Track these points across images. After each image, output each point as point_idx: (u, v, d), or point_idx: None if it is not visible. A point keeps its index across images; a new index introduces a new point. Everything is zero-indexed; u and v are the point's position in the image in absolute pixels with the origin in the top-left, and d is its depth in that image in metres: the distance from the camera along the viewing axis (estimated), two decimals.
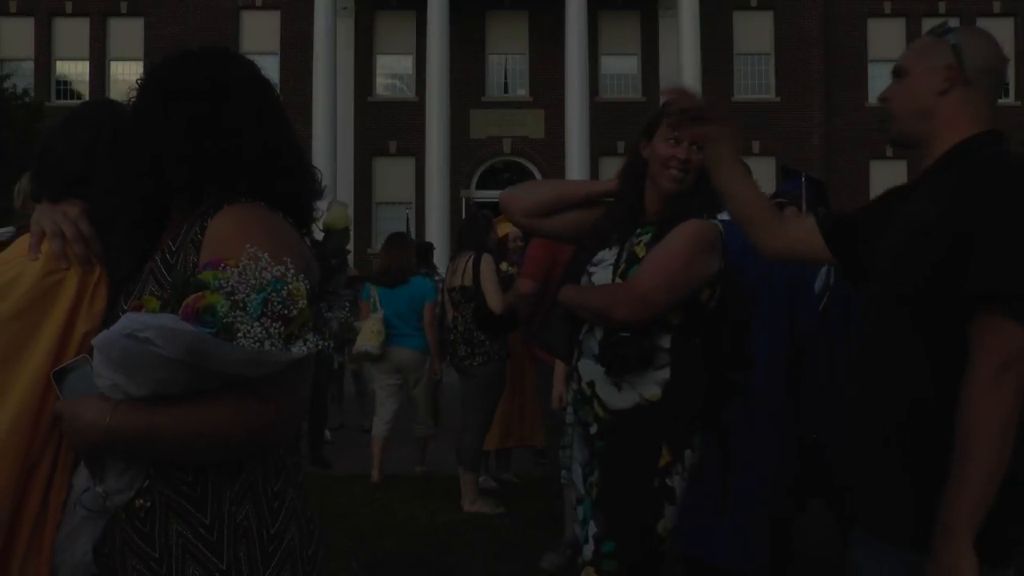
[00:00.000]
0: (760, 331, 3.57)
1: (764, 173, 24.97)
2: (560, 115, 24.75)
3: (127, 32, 26.44)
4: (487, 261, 6.27)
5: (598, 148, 24.90)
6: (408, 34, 26.02)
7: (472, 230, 6.67)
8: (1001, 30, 26.74)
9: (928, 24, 26.74)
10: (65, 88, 26.80)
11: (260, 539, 1.63)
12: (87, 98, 25.55)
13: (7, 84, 22.83)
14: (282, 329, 1.52)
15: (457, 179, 24.97)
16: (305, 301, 1.55)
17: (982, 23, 26.65)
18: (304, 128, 23.15)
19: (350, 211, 7.65)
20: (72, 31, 26.61)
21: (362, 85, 26.00)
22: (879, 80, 26.71)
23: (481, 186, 25.99)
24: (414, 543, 5.63)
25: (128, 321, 1.53)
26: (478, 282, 6.23)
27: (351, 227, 7.39)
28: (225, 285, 1.51)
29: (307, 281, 1.59)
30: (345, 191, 24.18)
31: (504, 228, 7.35)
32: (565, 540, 5.21)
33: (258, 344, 1.49)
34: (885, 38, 26.75)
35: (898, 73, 2.11)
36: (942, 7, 26.88)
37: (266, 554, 1.64)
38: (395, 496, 6.79)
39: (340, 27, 25.00)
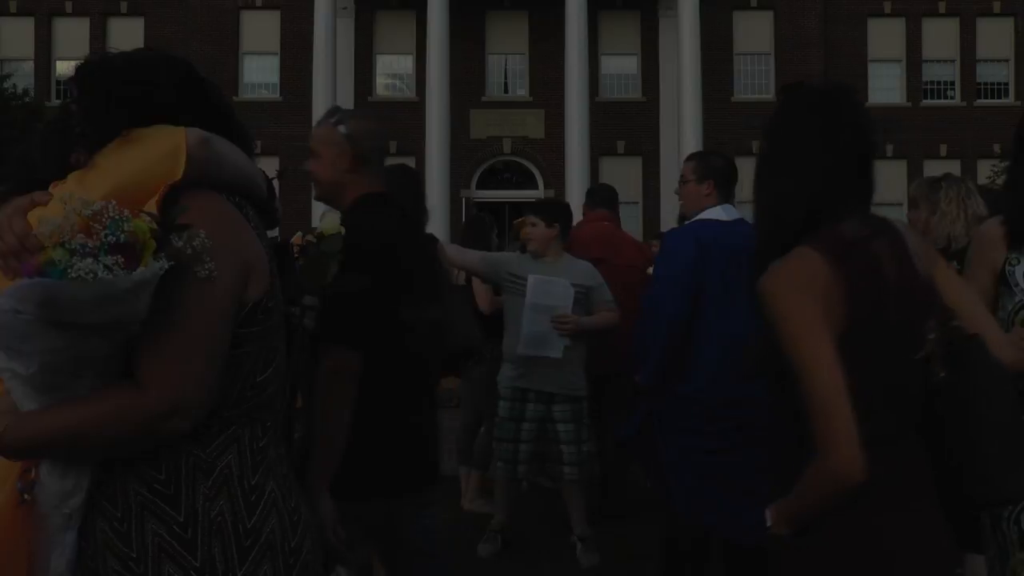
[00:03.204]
0: (723, 323, 3.77)
1: None
2: (560, 115, 24.74)
3: (127, 32, 26.40)
4: None
5: (598, 148, 24.92)
6: (408, 34, 26.03)
7: (475, 232, 6.67)
8: (1001, 30, 26.75)
9: (928, 24, 26.81)
10: (65, 88, 26.75)
11: (235, 534, 1.63)
12: None
13: (7, 84, 22.84)
14: (121, 260, 1.49)
15: (457, 179, 24.97)
16: (131, 223, 1.51)
17: (982, 23, 26.66)
18: (304, 128, 23.08)
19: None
20: (72, 31, 26.61)
21: (362, 85, 26.00)
22: (879, 80, 26.74)
23: (481, 186, 26.01)
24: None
25: None
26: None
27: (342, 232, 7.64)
28: (55, 237, 1.50)
29: (148, 216, 1.55)
30: None
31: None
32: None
33: (91, 276, 1.46)
34: (885, 38, 26.76)
35: (314, 153, 2.94)
36: (942, 7, 26.87)
37: (242, 549, 1.63)
38: None
39: (340, 27, 25.00)
